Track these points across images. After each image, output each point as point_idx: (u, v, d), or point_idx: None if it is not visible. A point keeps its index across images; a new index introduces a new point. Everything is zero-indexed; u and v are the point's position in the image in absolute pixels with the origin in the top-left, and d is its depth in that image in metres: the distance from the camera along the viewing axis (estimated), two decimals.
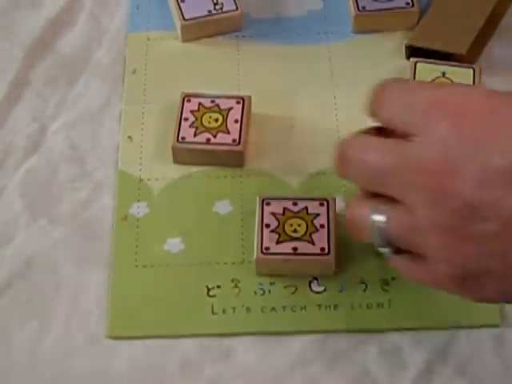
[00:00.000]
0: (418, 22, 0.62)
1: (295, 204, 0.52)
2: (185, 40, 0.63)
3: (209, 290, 0.51)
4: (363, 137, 0.44)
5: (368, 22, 0.63)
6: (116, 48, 0.63)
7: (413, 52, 0.60)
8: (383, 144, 0.41)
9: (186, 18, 0.62)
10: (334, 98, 0.59)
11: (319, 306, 0.50)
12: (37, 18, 0.65)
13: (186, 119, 0.56)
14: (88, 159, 0.57)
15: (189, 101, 0.57)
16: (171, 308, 0.50)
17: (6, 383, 0.48)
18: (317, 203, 0.52)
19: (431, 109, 0.39)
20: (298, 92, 0.60)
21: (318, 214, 0.51)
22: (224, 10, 0.63)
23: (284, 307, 0.50)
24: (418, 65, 0.58)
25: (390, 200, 0.41)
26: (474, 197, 0.37)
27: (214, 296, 0.50)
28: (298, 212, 0.51)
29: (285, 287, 0.50)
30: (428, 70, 0.58)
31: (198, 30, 0.63)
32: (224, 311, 0.50)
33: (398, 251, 0.42)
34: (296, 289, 0.50)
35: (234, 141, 0.55)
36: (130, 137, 0.58)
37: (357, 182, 0.43)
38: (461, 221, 0.38)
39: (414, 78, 0.58)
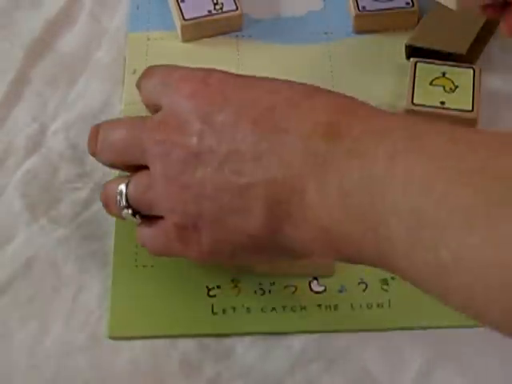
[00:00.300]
0: (418, 22, 0.62)
1: None
2: (185, 40, 0.63)
3: (209, 289, 0.51)
4: (115, 119, 0.51)
5: (368, 22, 0.63)
6: (116, 48, 0.63)
7: (413, 52, 0.60)
8: (131, 119, 0.49)
9: (186, 17, 0.62)
10: None
11: (319, 306, 0.50)
12: (37, 18, 0.65)
13: None
14: (88, 159, 0.57)
15: None
16: (171, 308, 0.50)
17: (7, 383, 0.48)
18: None
19: (180, 81, 0.46)
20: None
21: None
22: (224, 10, 0.63)
23: (284, 307, 0.50)
24: (418, 65, 0.58)
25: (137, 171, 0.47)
26: (196, 145, 0.43)
27: (214, 296, 0.50)
28: None
29: (285, 287, 0.51)
30: (428, 70, 0.58)
31: (198, 30, 0.63)
32: (224, 311, 0.50)
33: (137, 215, 0.47)
34: (296, 289, 0.50)
35: None
36: None
37: (108, 158, 0.49)
38: (184, 169, 0.43)
39: (414, 77, 0.58)
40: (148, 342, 0.49)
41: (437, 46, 0.60)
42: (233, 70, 0.61)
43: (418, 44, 0.60)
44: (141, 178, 0.46)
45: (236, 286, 0.51)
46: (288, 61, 0.62)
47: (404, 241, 0.36)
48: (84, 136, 0.58)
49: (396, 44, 0.62)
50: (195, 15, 0.62)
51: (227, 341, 0.49)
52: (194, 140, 0.43)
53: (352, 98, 0.43)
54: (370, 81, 0.60)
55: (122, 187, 0.47)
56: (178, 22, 0.63)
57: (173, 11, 0.63)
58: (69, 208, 0.55)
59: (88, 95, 0.61)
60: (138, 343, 0.49)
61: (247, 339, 0.49)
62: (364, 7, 0.63)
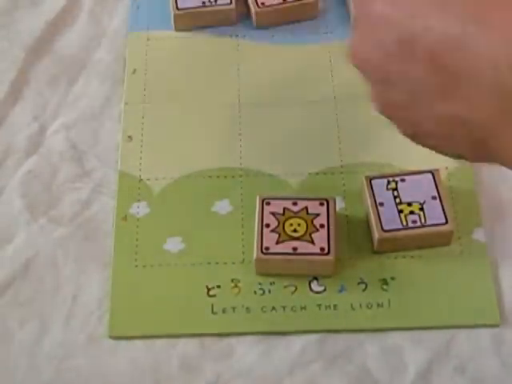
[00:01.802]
0: None
1: (295, 204, 0.52)
2: (177, 29, 0.64)
3: (209, 289, 0.51)
4: None
5: None
6: (116, 48, 0.63)
7: None
8: None
9: (179, 7, 0.63)
10: (334, 98, 0.59)
11: (319, 305, 0.50)
12: (37, 18, 0.65)
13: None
14: (88, 159, 0.57)
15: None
16: (171, 308, 0.50)
17: (7, 383, 0.48)
18: (317, 203, 0.52)
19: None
20: (297, 92, 0.60)
21: (317, 214, 0.51)
22: (218, 3, 0.63)
23: (284, 307, 0.50)
24: None
25: None
26: (382, 63, 0.42)
27: (214, 296, 0.50)
28: (297, 212, 0.51)
29: (285, 287, 0.50)
30: None
31: (191, 20, 0.63)
32: (224, 311, 0.50)
33: None
34: (296, 289, 0.50)
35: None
36: (129, 137, 0.58)
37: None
38: (381, 83, 0.43)
39: None
40: (148, 342, 0.49)
41: None
42: (233, 70, 0.61)
43: None
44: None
45: (236, 286, 0.51)
46: (288, 61, 0.62)
47: None
48: (84, 136, 0.58)
49: None
50: (189, 5, 0.63)
51: (227, 341, 0.49)
52: (380, 59, 0.42)
53: None
54: None
55: None
56: (172, 12, 0.63)
57: (170, 2, 0.64)
58: (69, 208, 0.55)
59: (88, 95, 0.61)
60: (138, 343, 0.49)
61: (247, 339, 0.49)
62: None
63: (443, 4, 0.39)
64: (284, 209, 0.52)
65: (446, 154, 0.44)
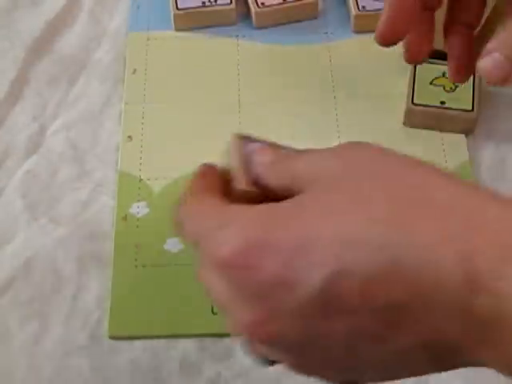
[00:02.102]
0: None
1: None
2: (178, 29, 0.64)
3: None
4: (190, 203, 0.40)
5: (368, 22, 0.63)
6: (116, 48, 0.63)
7: None
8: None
9: (179, 7, 0.63)
10: (334, 98, 0.59)
11: None
12: (37, 17, 0.65)
13: None
14: (88, 159, 0.57)
15: None
16: (171, 308, 0.50)
17: (7, 383, 0.48)
18: None
19: (229, 257, 0.34)
20: (297, 92, 0.60)
21: None
22: (218, 3, 0.63)
23: None
24: (418, 64, 0.58)
25: None
26: (299, 333, 0.34)
27: None
28: None
29: None
30: (428, 70, 0.58)
31: (191, 20, 0.63)
32: None
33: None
34: None
35: None
36: (129, 137, 0.58)
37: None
38: (302, 353, 0.35)
39: (414, 77, 0.58)
40: (148, 342, 0.49)
41: (436, 46, 0.60)
42: (233, 70, 0.61)
43: None
44: (257, 349, 0.37)
45: None
46: (288, 61, 0.62)
47: None
48: (84, 136, 0.58)
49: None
50: (189, 5, 0.63)
51: (227, 341, 0.49)
52: (295, 331, 0.34)
53: (459, 205, 0.33)
54: (370, 81, 0.60)
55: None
56: (172, 12, 0.63)
57: (170, 2, 0.64)
58: (69, 208, 0.55)
59: (88, 95, 0.61)
60: (138, 343, 0.49)
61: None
62: (364, 7, 0.63)
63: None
64: None
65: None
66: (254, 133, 0.58)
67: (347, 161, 0.36)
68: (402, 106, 0.57)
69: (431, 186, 0.34)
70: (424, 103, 0.57)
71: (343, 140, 0.57)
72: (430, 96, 0.57)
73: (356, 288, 0.32)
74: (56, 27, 0.65)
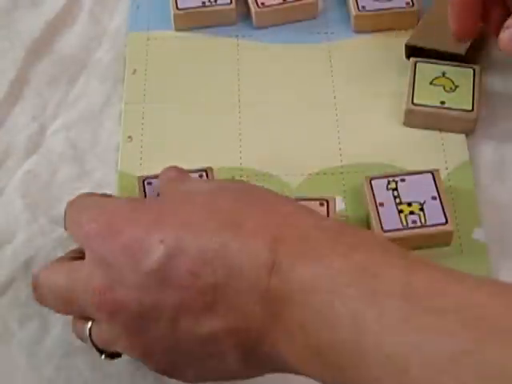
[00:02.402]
0: (418, 21, 0.62)
1: None
2: (178, 29, 0.64)
3: None
4: (55, 261, 0.47)
5: (368, 22, 0.63)
6: (116, 48, 0.63)
7: (412, 52, 0.60)
8: (65, 267, 0.44)
9: (179, 7, 0.63)
10: (334, 98, 0.59)
11: None
12: (37, 17, 0.65)
13: None
14: (88, 159, 0.57)
15: None
16: None
17: (7, 383, 0.48)
18: (317, 203, 0.52)
19: (91, 231, 0.41)
20: (297, 92, 0.60)
21: None
22: (218, 2, 0.63)
23: None
24: (418, 64, 0.58)
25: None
26: (136, 308, 0.39)
27: None
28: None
29: None
30: (428, 70, 0.58)
31: (191, 20, 0.63)
32: None
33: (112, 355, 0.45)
34: None
35: None
36: (130, 137, 0.58)
37: (51, 305, 0.45)
38: (137, 327, 0.40)
39: (414, 77, 0.58)
40: None
41: (436, 46, 0.60)
42: (233, 70, 0.61)
43: (418, 44, 0.60)
44: (100, 333, 0.43)
45: None
46: (288, 61, 0.62)
47: None
48: (84, 136, 0.58)
49: (396, 44, 0.62)
50: (189, 5, 0.63)
51: None
52: (133, 303, 0.40)
53: (286, 211, 0.40)
54: (370, 81, 0.60)
55: (86, 331, 0.44)
56: (172, 12, 0.63)
57: (170, 2, 0.64)
58: None
59: (88, 95, 0.61)
60: None
61: None
62: (364, 7, 0.63)
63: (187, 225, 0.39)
64: None
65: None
66: (254, 133, 0.58)
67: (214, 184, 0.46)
68: (401, 105, 0.57)
69: (273, 199, 0.42)
70: (424, 103, 0.57)
71: (343, 140, 0.57)
72: (430, 96, 0.57)
73: (187, 265, 0.38)
74: (56, 27, 0.65)
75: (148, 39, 0.64)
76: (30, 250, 0.53)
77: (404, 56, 0.61)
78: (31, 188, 0.56)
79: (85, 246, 0.42)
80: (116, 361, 0.48)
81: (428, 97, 0.57)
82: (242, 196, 0.41)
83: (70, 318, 0.49)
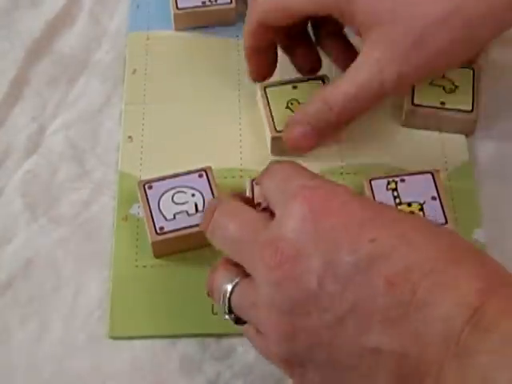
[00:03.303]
0: None
1: None
2: (178, 29, 0.64)
3: None
4: (234, 203, 0.45)
5: None
6: (116, 48, 0.63)
7: None
8: (247, 215, 0.43)
9: (179, 7, 0.63)
10: None
11: None
12: (37, 18, 0.65)
13: None
14: (88, 159, 0.57)
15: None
16: (171, 308, 0.50)
17: (7, 383, 0.48)
18: None
19: (297, 197, 0.40)
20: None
21: None
22: (218, 2, 0.63)
23: None
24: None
25: (245, 272, 0.42)
26: (314, 288, 0.38)
27: None
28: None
29: None
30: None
31: (191, 20, 0.63)
32: None
33: (239, 321, 0.43)
34: None
35: None
36: (130, 137, 0.58)
37: (218, 245, 0.44)
38: (296, 308, 0.38)
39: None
40: (148, 342, 0.49)
41: None
42: (233, 70, 0.61)
43: None
44: (247, 290, 0.42)
45: None
46: (288, 60, 0.62)
47: None
48: (84, 136, 0.58)
49: None
50: (189, 5, 0.63)
51: (227, 341, 0.49)
52: (313, 280, 0.38)
53: (498, 266, 0.39)
54: None
55: (228, 288, 0.42)
56: (172, 12, 0.63)
57: (170, 1, 0.64)
58: (69, 208, 0.55)
59: (88, 95, 0.61)
60: (138, 343, 0.49)
61: (247, 339, 0.49)
62: None
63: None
64: None
65: None
66: (254, 133, 0.58)
67: None
68: (402, 106, 0.57)
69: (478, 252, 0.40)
70: (424, 104, 0.57)
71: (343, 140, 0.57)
72: (430, 96, 0.57)
73: (388, 273, 0.37)
74: (56, 27, 0.65)
75: (148, 39, 0.64)
76: (30, 250, 0.53)
77: None
78: (31, 188, 0.56)
79: (283, 205, 0.41)
80: (116, 361, 0.48)
81: (428, 97, 0.57)
82: (459, 240, 0.40)
83: (69, 316, 0.50)
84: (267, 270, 0.39)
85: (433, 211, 0.51)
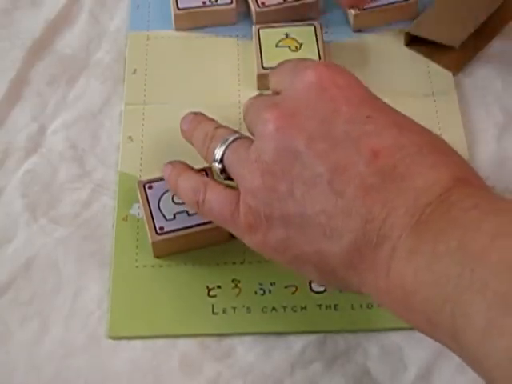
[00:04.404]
0: (418, 13, 0.63)
1: None
2: (178, 29, 0.64)
3: (209, 290, 0.51)
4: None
5: (368, 19, 0.63)
6: (116, 48, 0.63)
7: (411, 40, 0.62)
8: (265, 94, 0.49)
9: (179, 7, 0.63)
10: None
11: (319, 305, 0.50)
12: (37, 18, 0.65)
13: None
14: (88, 159, 0.57)
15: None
16: (171, 308, 0.50)
17: (7, 383, 0.48)
18: None
19: (309, 68, 0.44)
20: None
21: None
22: (219, 2, 0.63)
23: (284, 307, 0.50)
24: (261, 31, 0.61)
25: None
26: (304, 144, 0.41)
27: (215, 296, 0.50)
28: None
29: (285, 287, 0.50)
30: (271, 34, 0.61)
31: (191, 20, 0.63)
32: (224, 311, 0.50)
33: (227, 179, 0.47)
34: (296, 289, 0.50)
35: None
36: (130, 137, 0.58)
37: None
38: (282, 159, 0.42)
39: (260, 43, 0.60)
40: (148, 342, 0.49)
41: (432, 37, 0.60)
42: (233, 70, 0.61)
43: (418, 33, 0.61)
44: (241, 146, 0.45)
45: (236, 286, 0.51)
46: None
47: (484, 322, 0.33)
48: (84, 136, 0.58)
49: (396, 43, 0.62)
50: (189, 5, 0.63)
51: (227, 341, 0.49)
52: (303, 138, 0.41)
53: (474, 171, 0.42)
54: (370, 80, 0.60)
55: (221, 148, 0.47)
56: (172, 12, 0.63)
57: (170, 1, 0.64)
58: (69, 208, 0.55)
59: (88, 95, 0.61)
60: (138, 343, 0.49)
61: (247, 339, 0.49)
62: None
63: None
64: None
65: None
66: None
67: None
68: (402, 105, 0.57)
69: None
70: (273, 66, 0.57)
71: None
72: (278, 58, 0.57)
73: (377, 144, 0.40)
74: (56, 27, 0.65)
75: (148, 39, 0.64)
76: (30, 250, 0.53)
77: (403, 43, 0.62)
78: (31, 188, 0.56)
79: (294, 77, 0.45)
80: (116, 361, 0.48)
81: (276, 59, 0.57)
82: (446, 143, 0.43)
83: (69, 317, 0.50)
84: (263, 124, 0.43)
85: None
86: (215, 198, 0.46)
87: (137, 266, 0.52)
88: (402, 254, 0.38)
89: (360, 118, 0.41)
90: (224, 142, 0.47)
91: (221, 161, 0.46)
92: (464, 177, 0.40)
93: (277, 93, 0.47)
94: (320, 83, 0.43)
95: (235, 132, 0.48)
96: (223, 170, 0.47)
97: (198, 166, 0.53)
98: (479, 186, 0.40)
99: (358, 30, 0.63)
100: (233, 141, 0.47)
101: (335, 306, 0.50)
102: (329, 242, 0.40)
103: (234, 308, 0.50)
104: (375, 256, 0.39)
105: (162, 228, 0.51)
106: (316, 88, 0.43)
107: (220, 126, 0.49)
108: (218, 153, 0.47)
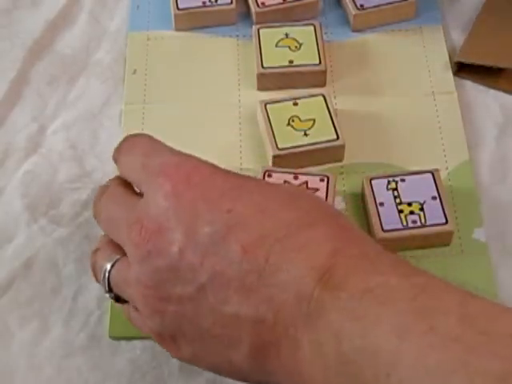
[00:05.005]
0: (417, 13, 0.63)
1: (296, 178, 0.52)
2: (178, 29, 0.64)
3: None
4: (113, 186, 0.46)
5: (367, 19, 0.63)
6: (116, 48, 0.63)
7: (461, 67, 0.60)
8: (121, 195, 0.45)
9: (179, 7, 0.63)
10: (335, 97, 0.59)
11: None
12: (37, 18, 0.65)
13: None
14: (88, 159, 0.57)
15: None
16: None
17: (7, 383, 0.48)
18: (317, 178, 0.52)
19: (160, 175, 0.41)
20: (298, 91, 0.60)
21: (317, 189, 0.51)
22: (219, 2, 0.63)
23: None
24: (261, 31, 0.61)
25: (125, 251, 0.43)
26: (176, 259, 0.39)
27: None
28: (298, 186, 0.52)
29: None
30: (271, 34, 0.61)
31: (191, 20, 0.63)
32: None
33: (118, 299, 0.45)
34: None
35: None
36: None
37: (101, 227, 0.47)
38: (162, 281, 0.40)
39: (260, 43, 0.60)
40: (148, 342, 0.49)
41: (487, 62, 0.59)
42: (233, 70, 0.61)
43: (468, 60, 0.59)
44: (123, 267, 0.43)
45: None
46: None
47: None
48: (84, 136, 0.58)
49: (396, 43, 0.62)
50: (189, 5, 0.63)
51: None
52: (175, 252, 0.39)
53: (352, 227, 0.40)
54: (370, 80, 0.60)
55: (107, 267, 0.44)
56: (172, 12, 0.63)
57: (170, 1, 0.64)
58: (69, 208, 0.55)
59: (88, 95, 0.61)
60: (138, 343, 0.49)
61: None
62: (362, 5, 0.63)
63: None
64: (284, 182, 0.52)
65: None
66: (254, 133, 0.58)
67: None
68: (402, 105, 0.57)
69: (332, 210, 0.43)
70: (273, 65, 0.59)
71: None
72: (278, 57, 0.59)
73: (244, 241, 0.38)
74: (56, 27, 0.65)
75: (148, 39, 0.64)
76: (30, 250, 0.53)
77: (451, 73, 0.60)
78: (31, 188, 0.56)
79: (147, 184, 0.42)
80: (116, 361, 0.48)
81: (276, 58, 0.59)
82: (319, 204, 0.42)
83: (69, 317, 0.50)
84: (134, 248, 0.41)
85: (433, 211, 0.51)
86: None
87: None
88: (307, 355, 0.36)
89: (221, 215, 0.39)
90: (107, 266, 0.44)
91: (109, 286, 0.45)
92: (341, 246, 0.38)
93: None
94: (175, 190, 0.40)
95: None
96: (115, 296, 0.45)
97: None
98: (359, 251, 0.38)
99: (358, 30, 0.63)
100: (115, 262, 0.44)
101: None
102: (233, 351, 0.39)
103: None
104: (279, 356, 0.37)
105: None
106: (172, 196, 0.40)
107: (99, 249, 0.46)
108: (105, 278, 0.44)
